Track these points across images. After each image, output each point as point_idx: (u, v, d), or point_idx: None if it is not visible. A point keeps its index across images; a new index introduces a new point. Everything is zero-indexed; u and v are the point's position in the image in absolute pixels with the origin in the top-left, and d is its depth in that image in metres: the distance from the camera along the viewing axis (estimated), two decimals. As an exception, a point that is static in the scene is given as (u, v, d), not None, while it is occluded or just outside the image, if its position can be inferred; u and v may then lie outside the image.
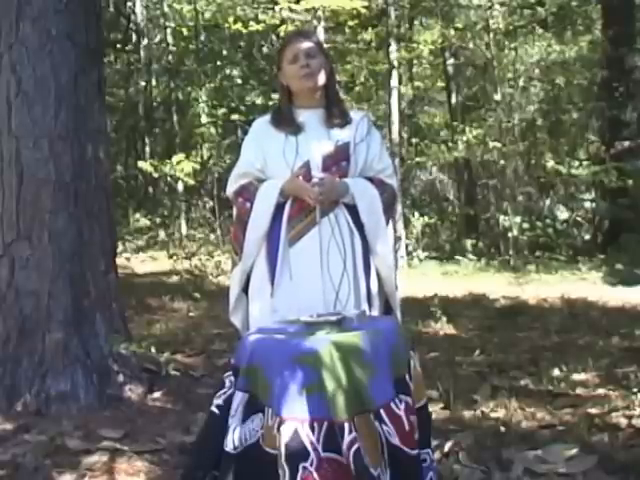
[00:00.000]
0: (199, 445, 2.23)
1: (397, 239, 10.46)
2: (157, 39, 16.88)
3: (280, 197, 2.38)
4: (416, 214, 11.88)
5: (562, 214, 12.87)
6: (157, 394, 3.68)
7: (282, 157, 2.39)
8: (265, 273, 2.39)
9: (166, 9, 16.19)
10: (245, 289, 2.49)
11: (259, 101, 14.20)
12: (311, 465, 1.87)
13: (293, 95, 2.47)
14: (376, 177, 2.48)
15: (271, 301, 2.35)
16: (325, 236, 2.37)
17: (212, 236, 12.03)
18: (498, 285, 7.96)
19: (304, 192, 2.34)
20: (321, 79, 2.43)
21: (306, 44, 2.43)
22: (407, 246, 10.95)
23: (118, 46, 15.73)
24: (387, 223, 2.50)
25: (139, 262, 10.26)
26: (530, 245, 10.97)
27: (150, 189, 16.09)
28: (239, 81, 15.51)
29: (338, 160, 2.40)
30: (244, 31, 12.20)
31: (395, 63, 11.29)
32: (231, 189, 2.53)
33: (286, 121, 2.45)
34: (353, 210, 2.40)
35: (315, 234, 2.37)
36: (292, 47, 2.43)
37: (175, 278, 8.12)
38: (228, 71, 15.59)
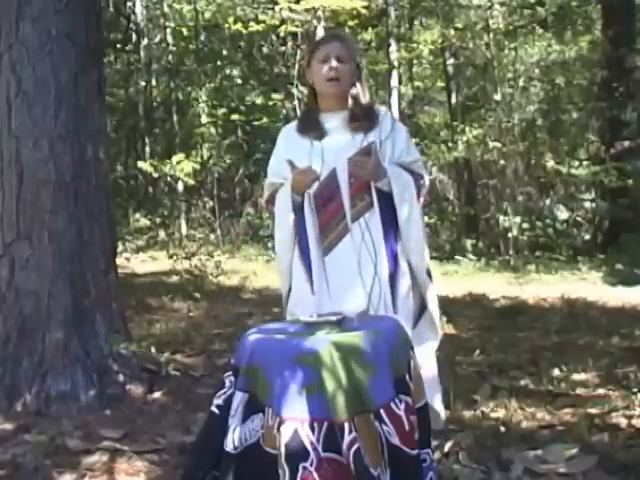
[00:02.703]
0: (199, 445, 2.23)
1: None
2: (157, 39, 16.85)
3: (295, 195, 2.43)
4: (416, 214, 11.86)
5: (562, 214, 12.86)
6: (157, 394, 3.68)
7: (309, 164, 2.42)
8: (304, 280, 2.43)
9: (166, 9, 16.17)
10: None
11: (259, 101, 14.20)
12: (311, 465, 1.86)
13: (318, 97, 2.49)
14: (407, 167, 2.50)
15: (313, 298, 2.38)
16: (357, 241, 2.40)
17: (212, 236, 12.02)
18: (498, 285, 7.96)
19: (305, 175, 2.39)
20: (347, 85, 2.45)
21: (340, 48, 2.45)
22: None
23: (118, 46, 15.70)
24: (420, 210, 2.52)
25: (139, 262, 10.25)
26: (530, 245, 10.96)
27: (150, 189, 16.08)
28: (239, 81, 15.50)
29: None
30: (244, 31, 12.20)
31: (395, 63, 11.31)
32: (263, 199, 2.67)
33: (311, 126, 2.48)
34: (386, 208, 2.42)
35: (348, 240, 2.40)
36: (326, 47, 2.46)
37: (175, 278, 8.12)
38: (228, 71, 15.58)
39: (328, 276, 2.40)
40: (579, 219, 12.64)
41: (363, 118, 2.47)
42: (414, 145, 2.69)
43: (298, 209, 2.45)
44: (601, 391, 3.62)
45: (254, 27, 11.78)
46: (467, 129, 11.68)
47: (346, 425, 1.88)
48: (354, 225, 2.41)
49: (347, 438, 1.87)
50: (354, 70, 2.47)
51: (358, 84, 2.50)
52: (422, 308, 2.55)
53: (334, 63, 2.41)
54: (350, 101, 2.48)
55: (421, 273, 2.53)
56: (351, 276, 2.39)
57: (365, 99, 2.53)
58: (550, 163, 11.79)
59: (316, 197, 2.42)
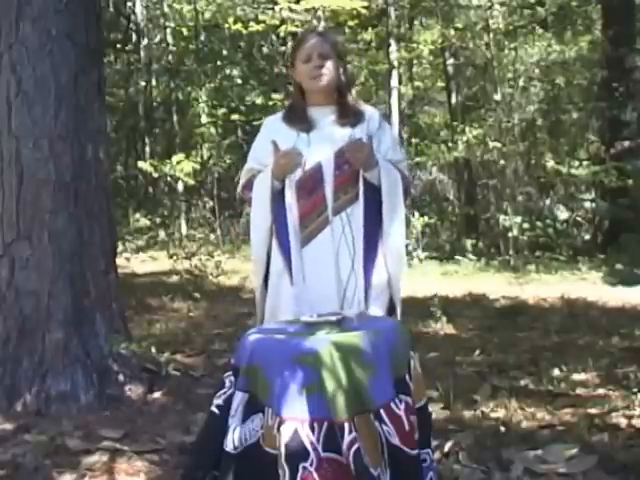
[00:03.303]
0: (199, 445, 2.23)
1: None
2: (157, 39, 16.86)
3: (274, 181, 2.40)
4: (416, 214, 11.87)
5: (562, 214, 12.85)
6: (157, 394, 3.68)
7: None
8: (282, 268, 2.40)
9: (166, 9, 16.18)
10: (265, 281, 2.51)
11: (259, 101, 14.18)
12: (311, 465, 1.87)
13: (305, 93, 2.48)
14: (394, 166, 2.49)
15: (292, 289, 2.36)
16: (336, 234, 2.39)
17: (212, 236, 12.02)
18: (498, 285, 7.96)
19: (289, 158, 2.35)
20: (332, 81, 2.44)
21: (321, 44, 2.44)
22: (407, 246, 10.93)
23: (118, 46, 15.72)
24: (404, 210, 2.51)
25: (139, 262, 10.25)
26: (530, 245, 10.95)
27: (150, 189, 16.09)
28: (239, 81, 15.50)
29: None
30: (244, 31, 12.20)
31: (395, 63, 11.29)
32: (239, 185, 2.60)
33: (298, 118, 2.46)
34: (370, 202, 2.41)
35: (328, 233, 2.39)
36: (307, 46, 2.44)
37: (175, 278, 8.12)
38: (228, 71, 15.58)
39: (305, 267, 2.37)
40: (579, 219, 12.63)
41: (351, 113, 2.47)
42: (400, 146, 2.69)
43: (277, 197, 2.41)
44: (601, 391, 3.62)
45: (254, 27, 11.77)
46: (467, 129, 11.66)
47: (346, 425, 1.88)
48: (335, 218, 2.39)
49: (347, 438, 1.87)
50: (338, 65, 2.47)
51: (344, 78, 2.49)
52: (391, 310, 2.52)
53: (317, 60, 2.41)
54: (336, 96, 2.48)
55: (395, 278, 2.48)
56: (328, 268, 2.37)
57: (351, 93, 2.54)
58: (550, 163, 11.77)
59: (299, 187, 2.39)
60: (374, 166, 2.39)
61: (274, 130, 2.50)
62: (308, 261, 2.37)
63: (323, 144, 2.41)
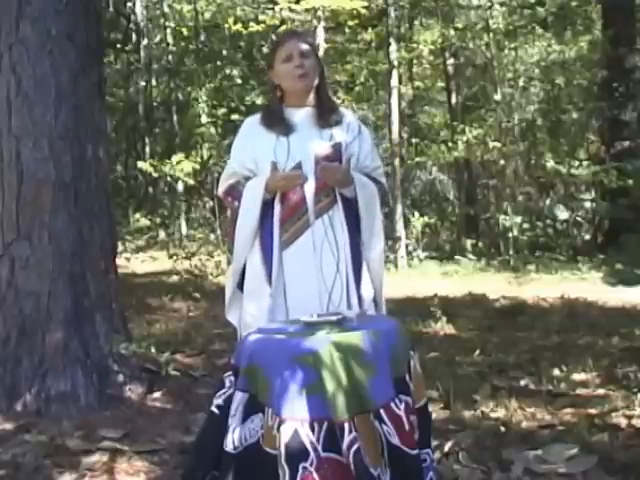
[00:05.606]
0: (199, 445, 2.23)
1: (397, 239, 10.47)
2: (157, 39, 16.88)
3: (266, 193, 2.37)
4: (416, 214, 11.88)
5: (562, 214, 12.85)
6: (157, 394, 3.68)
7: (273, 158, 2.38)
8: (262, 274, 2.38)
9: (166, 9, 16.19)
10: (240, 286, 2.48)
11: (259, 101, 14.18)
12: (311, 465, 1.87)
13: (284, 94, 2.47)
14: (370, 175, 2.49)
15: (269, 301, 2.35)
16: (318, 238, 2.37)
17: (212, 236, 12.03)
18: (498, 285, 7.96)
19: (289, 181, 2.34)
20: (314, 80, 2.44)
21: (301, 44, 2.43)
22: (407, 246, 10.95)
23: (118, 46, 15.72)
24: (382, 221, 2.52)
25: (139, 262, 10.25)
26: (530, 245, 10.97)
27: (150, 189, 16.10)
28: (239, 81, 15.50)
29: (330, 160, 2.39)
30: (244, 31, 12.20)
31: (395, 63, 11.29)
32: (221, 189, 2.56)
33: (277, 121, 2.44)
34: (348, 209, 2.41)
35: (309, 236, 2.37)
36: (286, 46, 2.43)
37: (175, 278, 8.12)
38: (228, 71, 15.58)
39: (285, 271, 2.35)
40: (579, 219, 12.64)
41: (330, 114, 2.46)
42: (377, 151, 2.69)
43: (265, 206, 2.39)
44: (601, 391, 3.62)
45: (254, 27, 11.77)
46: (467, 129, 11.66)
47: (346, 425, 1.88)
48: (317, 221, 2.36)
49: (347, 438, 1.87)
50: (317, 64, 2.46)
51: (322, 79, 2.48)
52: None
53: (298, 60, 2.39)
54: (314, 96, 2.47)
55: (378, 285, 2.49)
56: (309, 272, 2.35)
57: (328, 95, 2.54)
58: (550, 163, 11.77)
59: (280, 191, 2.38)
60: (349, 184, 2.38)
61: (254, 133, 2.47)
62: (289, 265, 2.35)
63: (303, 146, 2.39)
